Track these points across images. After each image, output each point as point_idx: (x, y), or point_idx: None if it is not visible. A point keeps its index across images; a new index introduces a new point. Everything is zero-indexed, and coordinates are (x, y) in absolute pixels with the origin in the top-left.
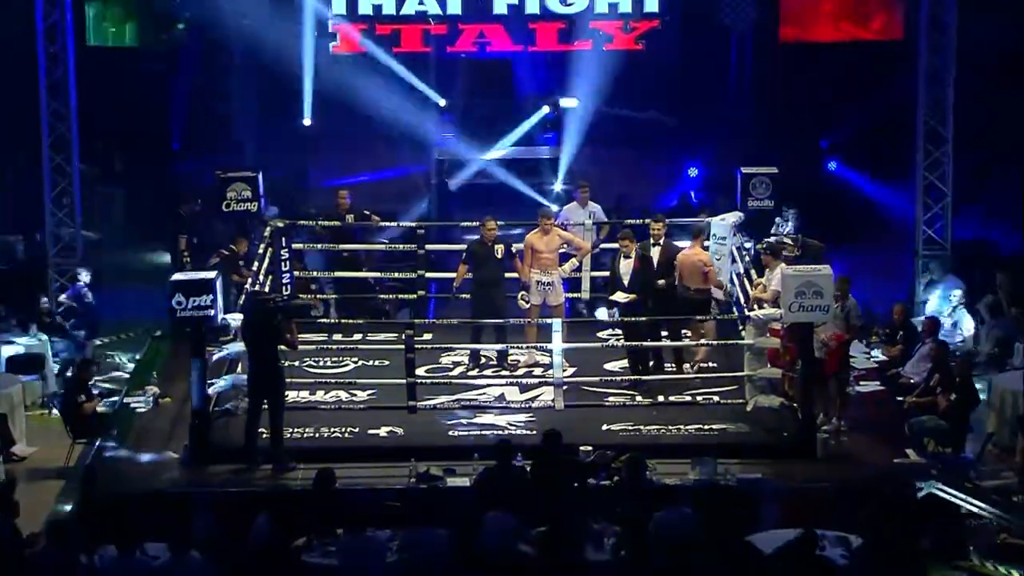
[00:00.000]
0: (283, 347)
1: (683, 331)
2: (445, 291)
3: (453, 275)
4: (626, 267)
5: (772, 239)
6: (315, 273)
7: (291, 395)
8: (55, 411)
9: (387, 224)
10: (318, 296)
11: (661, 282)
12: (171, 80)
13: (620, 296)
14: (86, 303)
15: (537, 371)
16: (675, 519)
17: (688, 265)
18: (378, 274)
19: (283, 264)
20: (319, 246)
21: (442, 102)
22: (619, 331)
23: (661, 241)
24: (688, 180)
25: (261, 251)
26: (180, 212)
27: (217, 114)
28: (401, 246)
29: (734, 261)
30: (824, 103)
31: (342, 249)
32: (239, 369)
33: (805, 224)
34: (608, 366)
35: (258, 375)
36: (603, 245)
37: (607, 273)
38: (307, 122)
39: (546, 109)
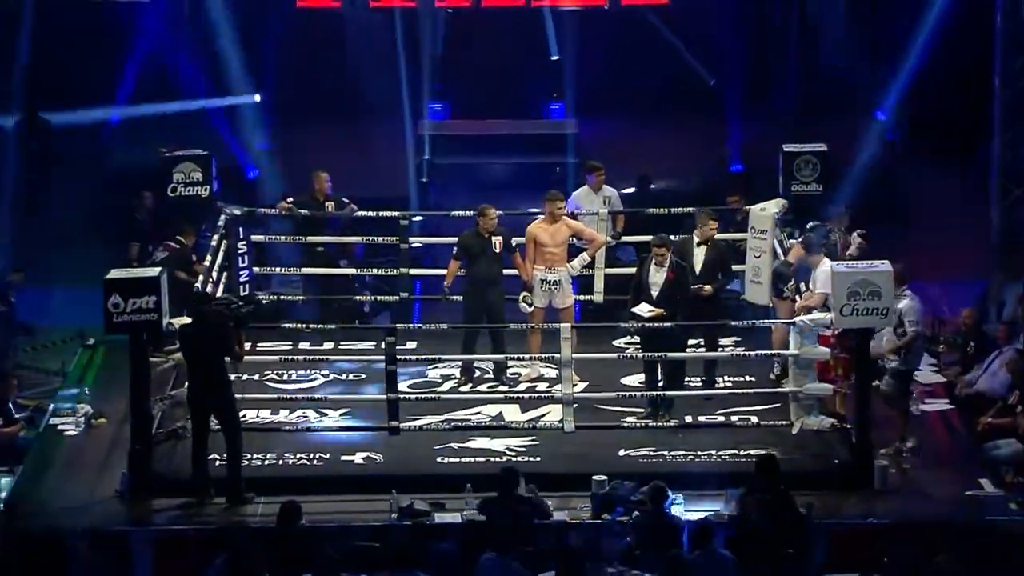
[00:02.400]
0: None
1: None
2: (433, 292)
3: (442, 272)
4: (657, 276)
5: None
6: (280, 271)
7: (250, 415)
8: None
9: (366, 214)
10: (282, 297)
11: (708, 288)
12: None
13: (644, 309)
14: (8, 302)
15: (542, 386)
16: (709, 563)
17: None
18: (354, 271)
19: (241, 259)
20: (284, 238)
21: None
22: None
23: (708, 242)
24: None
25: (214, 244)
26: (137, 216)
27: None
28: (381, 239)
29: (776, 258)
30: (887, 58)
31: (317, 242)
32: (187, 384)
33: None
34: (626, 380)
35: (200, 391)
36: (622, 238)
37: (626, 270)
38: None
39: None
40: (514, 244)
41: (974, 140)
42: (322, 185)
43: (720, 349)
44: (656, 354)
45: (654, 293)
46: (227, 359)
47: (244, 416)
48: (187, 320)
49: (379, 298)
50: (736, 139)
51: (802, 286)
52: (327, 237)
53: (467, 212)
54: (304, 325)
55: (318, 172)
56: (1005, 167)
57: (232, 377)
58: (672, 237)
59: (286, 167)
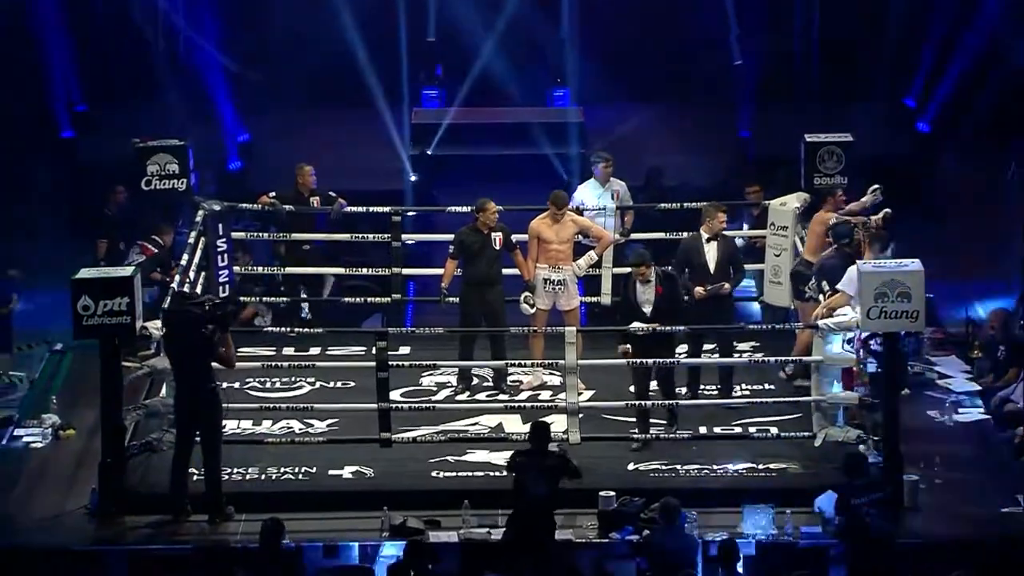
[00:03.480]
0: (217, 364)
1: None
2: (426, 293)
3: (435, 272)
4: (646, 294)
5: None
6: (261, 270)
7: (230, 425)
8: None
9: (355, 209)
10: (263, 300)
11: (727, 286)
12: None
13: (637, 328)
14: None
15: (544, 395)
16: None
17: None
18: (342, 270)
19: (220, 258)
20: (266, 235)
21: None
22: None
23: (718, 237)
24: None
25: (192, 241)
26: (106, 211)
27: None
28: (372, 236)
29: (798, 255)
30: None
31: (302, 240)
32: (163, 392)
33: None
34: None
35: (186, 400)
36: (632, 235)
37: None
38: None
39: None
40: (515, 241)
41: (1014, 128)
42: (306, 179)
43: (737, 354)
44: (664, 360)
45: (647, 311)
46: (215, 364)
47: (225, 427)
48: (165, 325)
49: (369, 300)
50: (750, 126)
51: (824, 284)
52: (318, 235)
53: (464, 207)
54: (288, 329)
55: (302, 165)
56: None
57: (223, 385)
58: (684, 234)
59: (267, 159)
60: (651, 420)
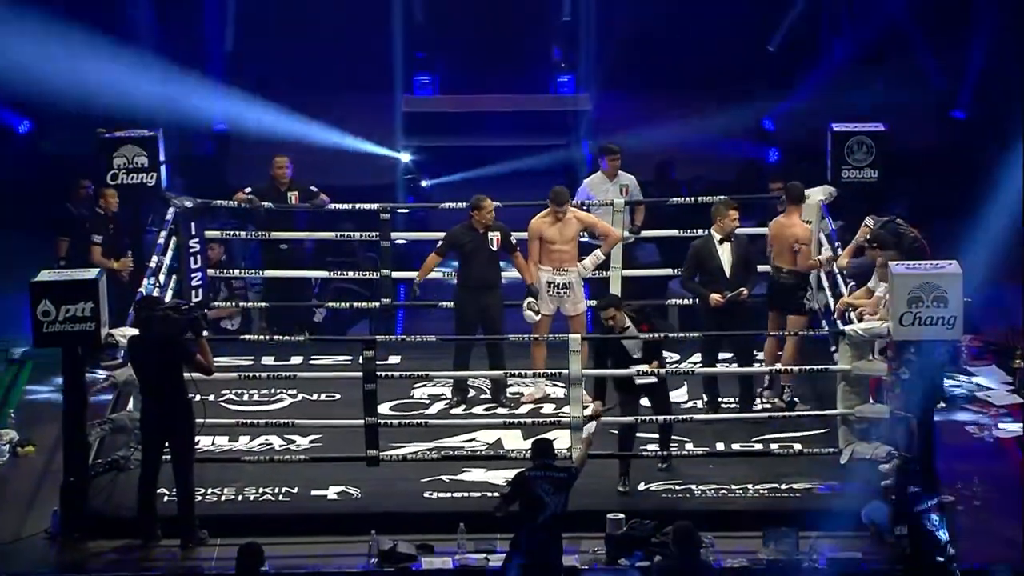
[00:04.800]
0: (192, 374)
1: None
2: (419, 297)
3: (432, 277)
4: (633, 342)
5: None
6: (239, 272)
7: (204, 442)
8: None
9: (340, 206)
10: (242, 304)
11: (746, 292)
12: None
13: (643, 369)
14: None
15: (547, 408)
16: None
17: (779, 239)
18: (325, 274)
19: (193, 259)
20: (243, 234)
21: None
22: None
23: (731, 237)
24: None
25: (162, 241)
26: (69, 207)
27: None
28: (359, 235)
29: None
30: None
31: (279, 239)
32: (130, 405)
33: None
34: (646, 401)
35: (155, 414)
36: (642, 233)
37: (646, 271)
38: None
39: None
40: (515, 242)
41: None
42: (280, 171)
43: (758, 363)
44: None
45: (638, 356)
46: (189, 374)
47: (198, 444)
48: (132, 330)
49: (355, 304)
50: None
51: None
52: (298, 234)
53: (460, 203)
54: (268, 336)
55: (276, 157)
56: None
57: (196, 397)
58: (700, 232)
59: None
60: (672, 438)
